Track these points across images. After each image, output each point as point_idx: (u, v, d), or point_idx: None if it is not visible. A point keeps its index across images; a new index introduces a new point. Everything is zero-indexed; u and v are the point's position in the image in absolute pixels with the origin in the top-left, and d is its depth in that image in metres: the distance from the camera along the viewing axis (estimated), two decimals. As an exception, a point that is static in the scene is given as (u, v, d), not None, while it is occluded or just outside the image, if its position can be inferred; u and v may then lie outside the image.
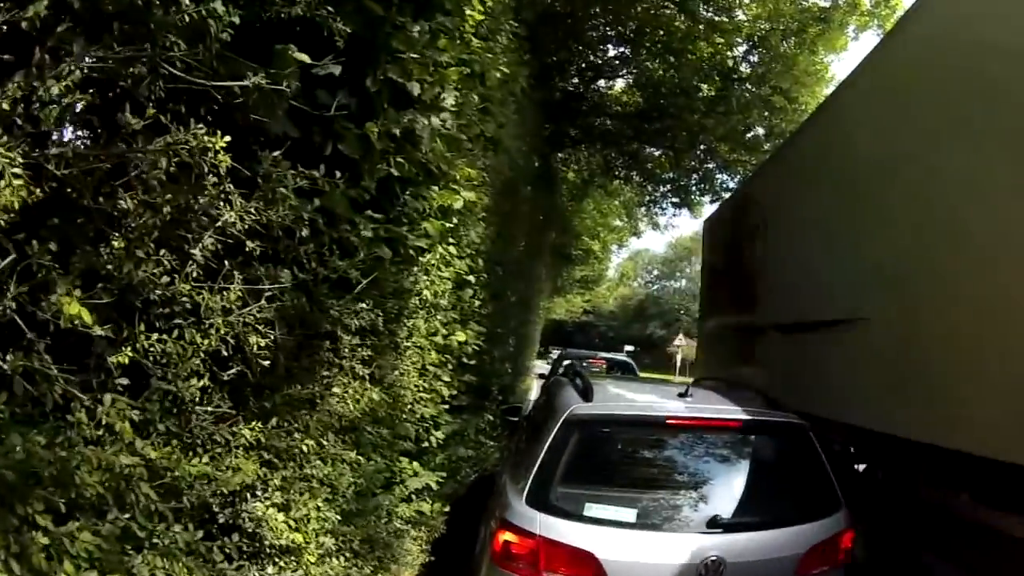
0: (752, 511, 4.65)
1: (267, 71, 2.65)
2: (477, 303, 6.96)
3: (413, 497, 5.23)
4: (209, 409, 2.89)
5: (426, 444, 5.73)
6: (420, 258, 4.44)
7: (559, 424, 4.69)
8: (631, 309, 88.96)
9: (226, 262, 2.76)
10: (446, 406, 6.17)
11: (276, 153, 2.89)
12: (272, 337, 2.96)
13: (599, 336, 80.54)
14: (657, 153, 22.42)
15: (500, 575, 4.42)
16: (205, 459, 2.88)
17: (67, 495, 2.14)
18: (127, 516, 2.35)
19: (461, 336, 6.20)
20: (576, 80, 19.31)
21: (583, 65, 18.54)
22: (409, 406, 5.09)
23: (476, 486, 7.52)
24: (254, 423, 3.09)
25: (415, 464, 5.33)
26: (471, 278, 6.38)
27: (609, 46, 17.95)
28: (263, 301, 2.88)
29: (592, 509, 4.36)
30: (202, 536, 2.78)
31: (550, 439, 4.63)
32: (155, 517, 2.49)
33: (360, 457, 4.10)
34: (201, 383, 2.72)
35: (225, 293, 2.73)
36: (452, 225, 5.02)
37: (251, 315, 2.83)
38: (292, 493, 3.39)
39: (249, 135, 2.90)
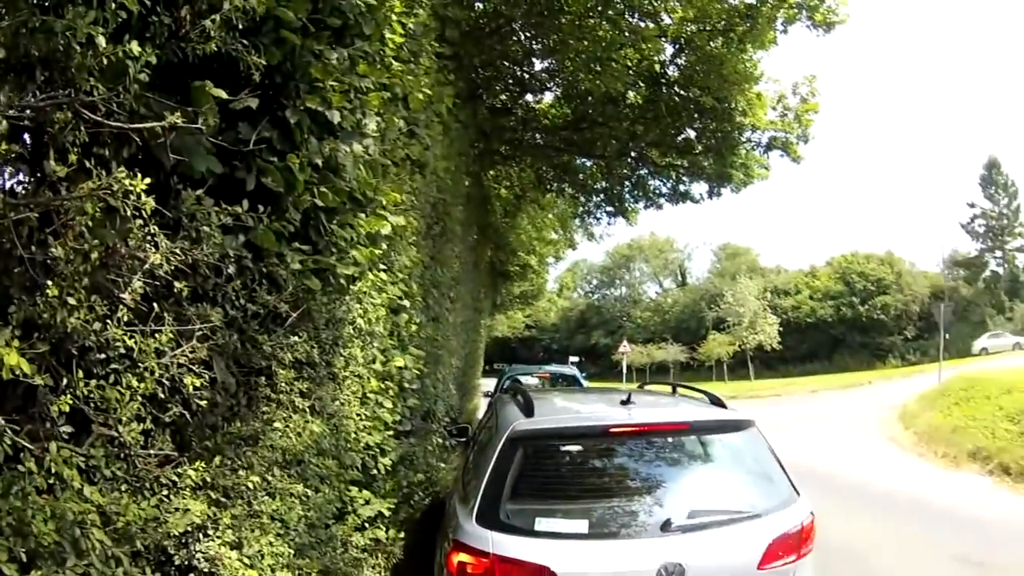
0: (706, 510, 4.63)
1: (185, 109, 2.64)
2: (414, 327, 6.95)
3: (367, 525, 5.17)
4: (152, 452, 2.85)
5: (375, 472, 5.67)
6: (351, 287, 4.40)
7: (503, 441, 4.72)
8: (573, 320, 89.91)
9: (155, 304, 2.73)
10: (391, 432, 6.12)
11: (199, 192, 2.87)
12: (207, 377, 2.93)
13: (543, 350, 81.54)
14: (588, 163, 22.48)
15: None
16: (153, 501, 2.84)
17: (27, 545, 2.12)
18: (84, 563, 2.31)
19: (400, 361, 6.19)
20: (503, 97, 19.27)
21: (510, 81, 18.49)
22: (353, 435, 5.05)
23: (431, 511, 7.47)
24: (198, 463, 3.05)
25: (365, 492, 5.27)
26: (406, 303, 6.38)
27: (535, 60, 17.97)
28: (195, 341, 2.85)
29: (543, 523, 4.37)
30: (160, 579, 2.75)
31: (495, 457, 4.66)
32: (112, 562, 2.45)
33: (308, 490, 4.03)
34: (142, 427, 2.68)
35: (157, 335, 2.69)
36: (381, 251, 5.00)
37: (184, 356, 2.80)
38: (243, 531, 3.34)
39: (173, 175, 2.87)
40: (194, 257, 2.81)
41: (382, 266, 5.47)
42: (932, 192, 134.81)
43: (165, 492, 2.94)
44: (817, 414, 27.96)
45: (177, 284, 2.74)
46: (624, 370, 46.05)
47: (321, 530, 4.39)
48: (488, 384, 29.77)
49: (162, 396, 2.75)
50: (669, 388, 6.85)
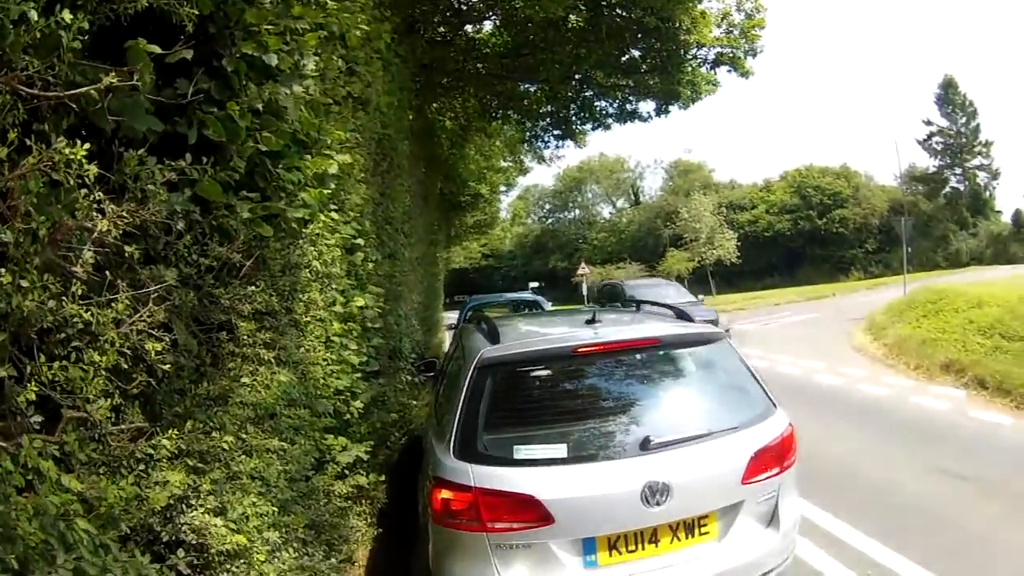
0: (684, 426, 4.66)
1: (120, 70, 2.52)
2: (371, 265, 6.88)
3: (347, 473, 5.17)
4: (124, 427, 2.77)
5: (348, 416, 5.65)
6: (303, 230, 4.31)
7: (471, 371, 4.70)
8: (529, 246, 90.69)
9: (108, 272, 2.62)
10: (359, 374, 6.08)
11: (140, 151, 2.75)
12: (168, 340, 2.84)
13: (502, 278, 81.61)
14: (532, 88, 22.21)
15: (448, 535, 4.43)
16: (131, 479, 2.76)
17: (16, 550, 2.02)
18: (74, 557, 2.25)
19: (360, 301, 6.11)
20: (442, 29, 18.92)
21: (447, 13, 18.13)
22: (322, 381, 4.99)
23: (408, 448, 7.51)
24: (171, 431, 2.96)
25: (341, 439, 5.25)
26: (360, 241, 6.28)
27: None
28: (152, 304, 2.75)
29: (522, 451, 4.35)
30: (151, 559, 2.68)
31: (466, 388, 4.64)
32: (100, 551, 2.38)
33: (284, 443, 3.98)
34: (110, 402, 2.59)
35: (113, 304, 2.59)
36: (331, 191, 4.88)
37: (143, 321, 2.71)
38: (225, 495, 3.29)
39: (114, 140, 2.75)
40: (142, 218, 2.69)
41: (333, 206, 5.35)
42: (886, 108, 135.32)
43: (142, 467, 2.87)
44: (784, 327, 28.32)
45: (128, 248, 2.63)
46: (584, 292, 46.19)
47: (302, 483, 4.37)
48: (451, 317, 29.85)
49: (126, 367, 2.66)
50: (633, 306, 6.80)
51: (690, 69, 19.71)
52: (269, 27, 3.64)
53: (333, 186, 5.00)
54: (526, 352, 5.04)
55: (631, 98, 21.91)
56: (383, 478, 5.88)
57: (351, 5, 6.04)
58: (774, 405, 4.95)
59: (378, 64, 7.80)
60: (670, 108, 21.39)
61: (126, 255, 2.65)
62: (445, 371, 6.85)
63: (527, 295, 25.37)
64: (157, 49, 2.71)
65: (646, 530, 4.31)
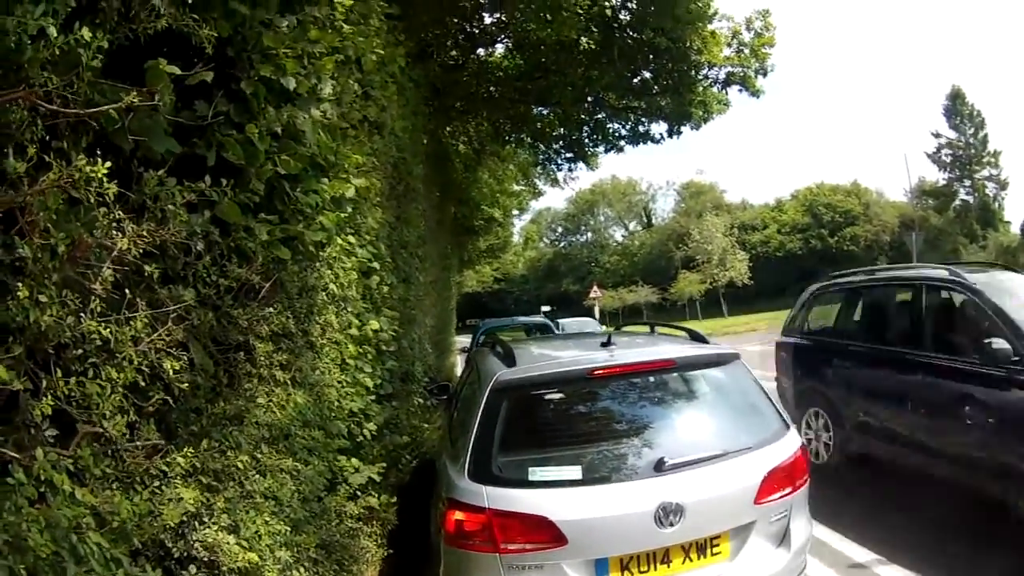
0: (698, 447, 4.66)
1: (140, 90, 2.55)
2: (386, 289, 6.91)
3: (359, 494, 5.15)
4: (139, 444, 2.79)
5: (360, 439, 5.66)
6: (321, 253, 4.34)
7: (487, 393, 4.73)
8: (541, 270, 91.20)
9: (127, 290, 2.65)
10: (373, 397, 6.10)
11: (160, 172, 2.79)
12: (186, 359, 2.87)
13: (514, 302, 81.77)
14: (545, 112, 22.24)
15: (460, 556, 4.44)
16: (145, 495, 2.76)
17: (26, 561, 2.04)
18: (85, 570, 2.26)
19: (375, 324, 6.13)
20: (454, 52, 19.00)
21: (460, 37, 18.28)
22: (336, 403, 5.01)
23: (419, 471, 7.49)
24: (186, 449, 2.99)
25: (354, 460, 5.25)
26: (376, 265, 6.32)
27: (484, 14, 17.81)
28: (170, 323, 2.78)
29: (536, 473, 4.38)
30: (162, 575, 2.70)
31: (481, 410, 4.66)
32: (111, 564, 2.39)
33: (297, 464, 4.00)
34: (126, 419, 2.61)
35: (132, 322, 2.62)
36: (348, 215, 4.91)
37: (161, 339, 2.73)
38: (238, 513, 3.31)
39: (133, 160, 2.79)
40: (161, 238, 2.72)
41: (349, 229, 5.40)
42: (893, 122, 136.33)
43: (156, 484, 2.86)
44: None
45: (147, 267, 2.66)
46: (596, 315, 46.16)
47: (314, 503, 4.37)
48: (462, 341, 29.80)
49: (143, 384, 2.68)
50: (647, 328, 6.76)
51: (701, 89, 19.67)
52: (287, 51, 3.68)
53: (350, 209, 5.02)
54: (541, 375, 5.03)
55: (643, 120, 21.78)
56: (394, 500, 5.85)
57: (366, 29, 6.11)
58: (787, 425, 4.98)
59: (393, 88, 7.85)
60: (682, 129, 21.13)
61: (145, 274, 2.67)
62: (459, 394, 6.84)
63: (537, 319, 25.44)
64: (177, 70, 2.75)
65: (659, 551, 4.32)
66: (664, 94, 19.54)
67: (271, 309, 3.63)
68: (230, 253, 3.32)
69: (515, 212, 43.71)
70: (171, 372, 2.71)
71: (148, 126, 2.76)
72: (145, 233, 2.62)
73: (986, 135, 71.60)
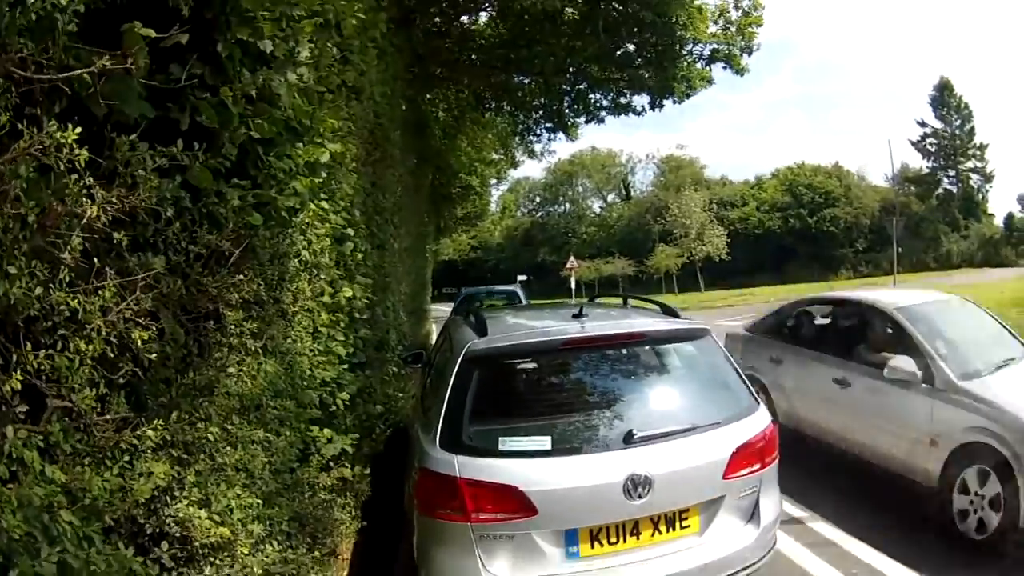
0: (667, 421, 4.75)
1: (114, 53, 2.47)
2: (360, 255, 6.79)
3: (331, 465, 5.09)
4: (109, 417, 2.72)
5: (333, 408, 5.59)
6: (293, 219, 4.24)
7: (458, 363, 4.80)
8: (518, 239, 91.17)
9: (96, 259, 2.57)
10: (345, 366, 6.04)
11: (132, 136, 2.70)
12: (155, 328, 2.79)
13: (490, 271, 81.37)
14: (526, 81, 22.12)
15: (432, 524, 4.52)
16: (115, 470, 2.71)
17: (0, 542, 1.99)
18: (59, 550, 2.20)
19: (348, 292, 6.02)
20: (438, 19, 18.85)
21: (444, 4, 18.11)
22: (308, 372, 4.94)
23: (392, 440, 7.49)
24: (156, 422, 2.91)
25: (326, 431, 5.18)
26: (350, 231, 6.19)
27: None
28: (139, 292, 2.70)
29: (507, 443, 4.44)
30: (134, 552, 2.63)
31: (452, 379, 4.73)
32: (84, 543, 2.33)
33: (269, 435, 3.95)
34: (95, 392, 2.54)
35: (100, 292, 2.54)
36: (322, 180, 4.83)
37: (130, 309, 2.65)
38: (209, 487, 3.26)
39: (107, 125, 2.69)
40: (131, 204, 2.64)
41: (323, 195, 5.27)
42: (878, 107, 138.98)
43: (127, 458, 2.81)
44: None
45: (116, 235, 2.58)
46: (572, 286, 46.17)
47: (286, 475, 4.32)
48: (438, 308, 29.75)
49: (112, 355, 2.61)
50: (620, 300, 6.92)
51: (685, 65, 19.64)
52: (265, 13, 3.58)
53: (324, 175, 4.94)
54: (513, 345, 5.13)
55: (625, 91, 21.69)
56: (368, 470, 5.82)
57: (347, -8, 5.98)
58: (757, 402, 5.08)
59: (373, 53, 7.72)
60: (664, 102, 21.12)
61: (114, 242, 2.60)
62: (432, 362, 6.95)
63: (510, 288, 25.61)
64: (152, 33, 2.65)
65: (628, 522, 4.41)
66: (647, 67, 19.46)
67: (241, 276, 3.54)
68: (201, 219, 3.24)
69: (493, 181, 43.67)
70: (140, 342, 2.64)
71: (122, 90, 2.66)
72: (115, 199, 2.55)
73: (973, 127, 73.02)
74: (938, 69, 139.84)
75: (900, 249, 32.90)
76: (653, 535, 4.46)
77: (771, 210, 74.16)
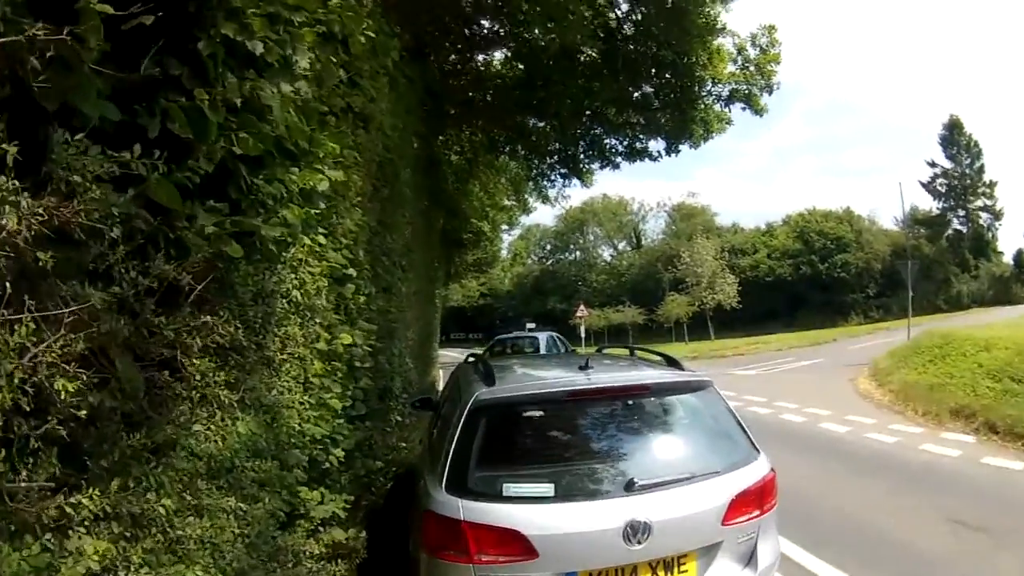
0: (668, 469, 4.81)
1: (58, 28, 2.03)
2: (362, 299, 6.28)
3: (322, 528, 4.66)
4: (33, 483, 2.16)
5: (327, 466, 5.05)
6: (283, 253, 3.72)
7: (466, 411, 4.85)
8: (528, 286, 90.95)
9: (8, 285, 2.02)
10: (341, 420, 5.50)
11: (79, 136, 2.18)
12: (87, 377, 2.22)
13: (500, 318, 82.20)
14: (542, 124, 21.80)
15: (435, 565, 4.54)
16: (35, 547, 2.19)
17: None
18: None
19: (347, 338, 5.50)
20: (453, 57, 18.63)
21: (458, 45, 17.91)
22: (296, 428, 4.41)
23: (394, 491, 7.28)
24: (92, 489, 2.34)
25: (318, 492, 4.67)
26: (351, 271, 5.67)
27: (483, 19, 17.34)
28: (65, 330, 2.14)
29: (510, 488, 4.48)
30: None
31: (460, 426, 4.79)
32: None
33: (243, 503, 3.39)
34: (4, 452, 1.99)
35: (16, 327, 1.99)
36: (320, 212, 4.31)
37: (53, 352, 2.09)
38: (161, 567, 2.70)
39: (54, 123, 2.19)
40: (64, 218, 2.11)
41: (322, 230, 4.79)
42: (890, 146, 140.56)
43: (51, 532, 2.28)
44: (787, 373, 27.81)
45: (41, 256, 2.05)
46: (582, 334, 45.75)
47: (265, 545, 3.74)
48: (447, 355, 29.29)
49: (29, 407, 2.05)
50: (627, 351, 7.12)
51: (703, 106, 19.46)
52: (255, 10, 3.09)
53: (323, 206, 4.44)
54: (519, 395, 5.17)
55: (641, 136, 21.53)
56: (363, 534, 5.30)
57: (356, 6, 5.51)
58: (756, 450, 5.14)
59: (384, 80, 7.28)
60: (680, 147, 21.05)
61: (40, 264, 2.08)
62: (441, 408, 6.89)
63: (529, 334, 25.59)
64: (109, 9, 2.19)
65: (627, 567, 4.45)
66: (665, 110, 19.29)
67: (213, 317, 2.97)
68: (165, 245, 2.69)
69: (504, 227, 43.46)
70: (64, 394, 2.09)
71: (77, 84, 2.21)
72: (43, 211, 2.02)
73: (982, 165, 72.99)
74: (948, 104, 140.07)
75: (913, 293, 32.77)
76: None
77: (782, 257, 73.80)
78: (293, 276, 4.27)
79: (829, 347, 40.23)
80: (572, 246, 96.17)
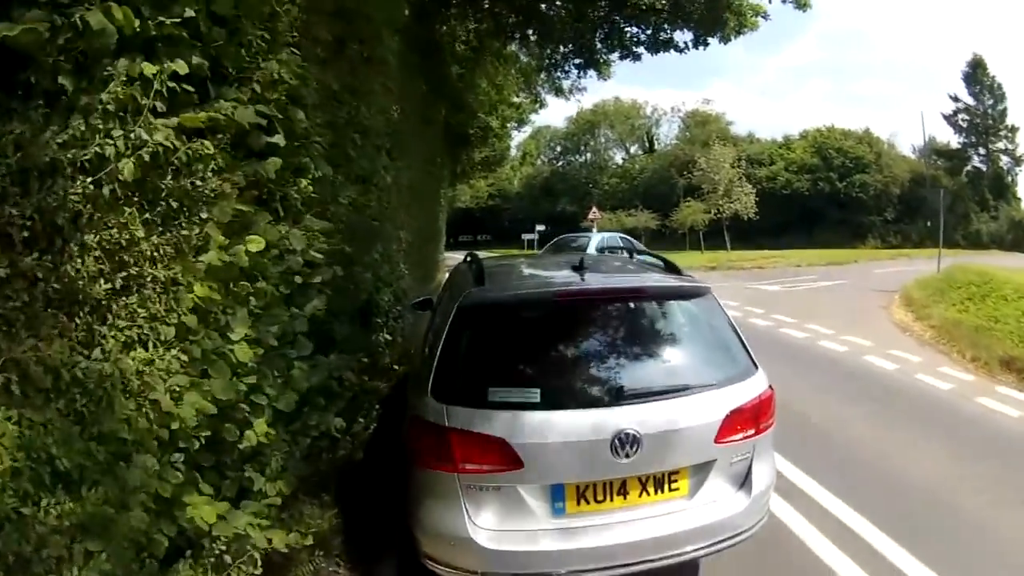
0: (661, 379, 4.71)
1: None
2: (307, 184, 4.34)
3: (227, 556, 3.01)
4: None
5: (244, 445, 3.26)
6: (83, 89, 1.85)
7: (453, 312, 4.74)
8: (538, 188, 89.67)
9: None
10: (252, 379, 3.53)
11: None
12: None
13: (509, 219, 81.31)
14: (557, 2, 19.45)
15: (421, 474, 4.46)
16: None
17: None
18: None
19: (257, 242, 3.53)
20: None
21: None
22: (144, 410, 2.51)
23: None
24: None
25: (208, 508, 2.83)
26: (279, 139, 3.73)
27: None
28: None
29: (496, 394, 4.37)
30: None
31: (447, 329, 4.67)
32: None
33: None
34: None
35: None
36: (179, 19, 2.36)
37: None
38: None
39: None
40: None
41: (196, 57, 2.81)
42: (905, 80, 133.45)
43: None
44: (812, 293, 26.28)
45: None
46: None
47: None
48: (454, 258, 27.50)
49: None
50: (628, 251, 7.12)
51: (738, -11, 17.26)
52: None
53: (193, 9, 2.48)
54: (508, 296, 5.07)
55: (666, 26, 19.23)
56: (309, 539, 4.03)
57: None
58: (755, 365, 4.97)
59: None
60: (709, 40, 18.83)
61: None
62: (436, 309, 6.69)
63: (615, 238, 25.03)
64: None
65: (615, 481, 4.39)
66: (696, -12, 17.04)
67: None
68: None
69: (514, 125, 41.61)
70: None
71: None
72: None
73: (1005, 109, 71.28)
74: (966, 47, 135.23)
75: (929, 223, 31.53)
76: (641, 495, 4.44)
77: (799, 171, 71.40)
78: (120, 132, 2.31)
79: (850, 268, 38.74)
80: (583, 148, 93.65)
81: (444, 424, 4.25)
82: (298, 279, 4.18)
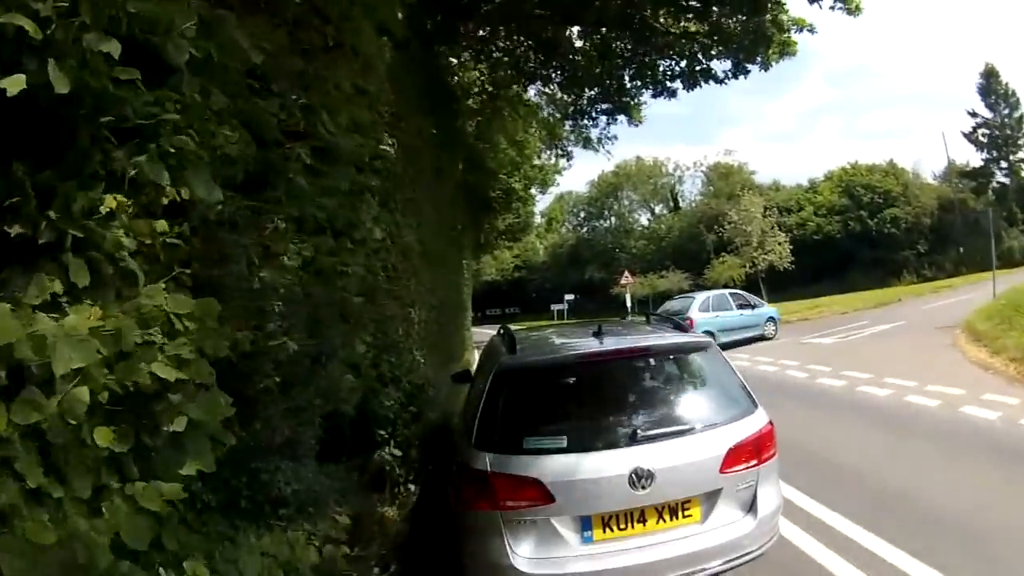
0: (669, 422, 5.27)
1: None
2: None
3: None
4: None
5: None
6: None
7: (491, 377, 5.45)
8: (564, 256, 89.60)
9: None
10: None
11: None
12: None
13: (536, 291, 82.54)
14: (579, 44, 17.73)
15: (468, 515, 5.06)
16: None
17: None
18: None
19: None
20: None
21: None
22: None
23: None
24: None
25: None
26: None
27: None
28: None
29: (529, 442, 5.03)
30: None
31: (486, 391, 5.38)
32: None
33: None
34: None
35: None
36: None
37: None
38: None
39: None
40: None
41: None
42: (912, 107, 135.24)
43: None
44: (869, 340, 24.18)
45: None
46: (628, 303, 42.53)
47: None
48: (484, 333, 25.17)
49: None
50: (646, 318, 7.89)
51: (779, 3, 15.69)
52: None
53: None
54: (537, 361, 5.83)
55: (701, 56, 17.55)
56: None
57: None
58: (755, 405, 5.55)
59: None
60: (748, 67, 17.35)
61: None
62: (475, 376, 7.39)
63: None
64: None
65: (634, 510, 4.92)
66: (736, 9, 15.10)
67: None
68: None
69: (538, 187, 40.76)
70: None
71: None
72: None
73: (1022, 115, 70.09)
74: (973, 64, 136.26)
75: (962, 250, 29.79)
76: (658, 522, 4.95)
77: (829, 214, 70.41)
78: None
79: (898, 309, 36.86)
80: (607, 212, 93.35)
81: (487, 469, 4.89)
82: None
